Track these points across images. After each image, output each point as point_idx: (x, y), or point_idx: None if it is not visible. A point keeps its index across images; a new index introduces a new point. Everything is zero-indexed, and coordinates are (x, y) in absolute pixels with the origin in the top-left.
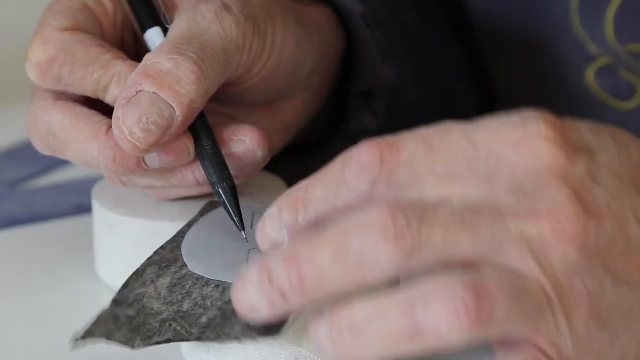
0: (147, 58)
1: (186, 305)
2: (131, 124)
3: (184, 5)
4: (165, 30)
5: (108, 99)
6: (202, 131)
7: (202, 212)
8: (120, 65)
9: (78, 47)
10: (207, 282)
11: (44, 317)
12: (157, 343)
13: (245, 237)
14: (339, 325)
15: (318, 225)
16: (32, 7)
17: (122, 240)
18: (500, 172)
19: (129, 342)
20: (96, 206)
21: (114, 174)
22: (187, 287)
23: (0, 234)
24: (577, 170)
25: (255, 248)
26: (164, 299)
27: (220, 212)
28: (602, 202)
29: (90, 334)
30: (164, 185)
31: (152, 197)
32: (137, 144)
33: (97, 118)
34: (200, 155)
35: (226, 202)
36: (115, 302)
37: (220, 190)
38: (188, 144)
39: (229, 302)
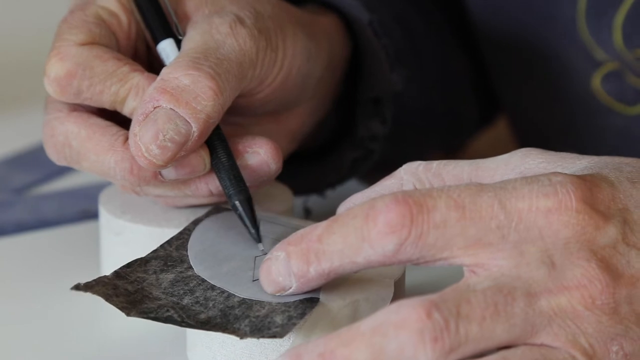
0: (164, 72)
1: (186, 300)
2: (148, 141)
3: (196, 17)
4: (177, 42)
5: (125, 111)
6: (218, 143)
7: (209, 213)
8: (138, 78)
9: (96, 61)
10: (212, 286)
11: (50, 321)
12: (154, 319)
13: (262, 249)
14: None
15: (330, 276)
16: (36, 17)
17: (129, 246)
18: (530, 241)
19: (124, 310)
20: (103, 213)
21: (129, 184)
22: (191, 285)
23: (7, 239)
24: (606, 238)
25: (261, 255)
26: (164, 290)
27: (227, 215)
28: (637, 264)
29: (89, 288)
30: (176, 195)
31: (159, 204)
32: (154, 160)
33: (113, 129)
34: (215, 167)
35: (243, 214)
36: (117, 274)
37: (236, 202)
38: (204, 157)
39: (232, 308)
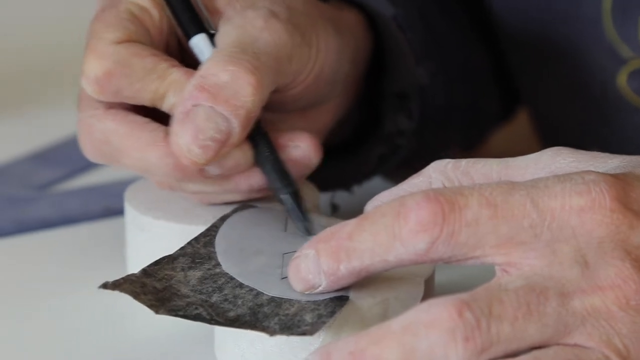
0: (202, 69)
1: (215, 298)
2: (188, 141)
3: (228, 11)
4: (210, 36)
5: (165, 107)
6: (260, 137)
7: (236, 210)
8: (176, 73)
9: (134, 59)
10: (241, 284)
11: (75, 319)
12: (182, 317)
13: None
14: None
15: (360, 274)
16: (63, 14)
17: (154, 243)
18: (563, 240)
19: (153, 307)
20: (128, 209)
21: (171, 180)
22: (220, 283)
23: (31, 236)
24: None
25: (290, 252)
26: (193, 287)
27: (254, 212)
28: None
29: (117, 286)
30: (214, 191)
31: (185, 201)
32: (196, 159)
33: (152, 125)
34: (259, 161)
35: (291, 208)
36: (145, 272)
37: (285, 196)
38: (247, 152)
39: (261, 305)
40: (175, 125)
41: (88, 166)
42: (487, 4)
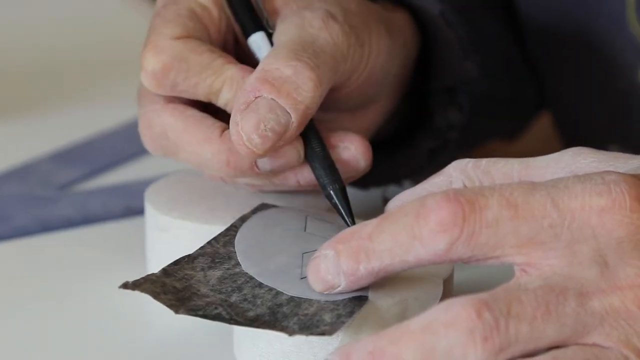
0: (265, 63)
1: (234, 297)
2: (249, 130)
3: (286, 11)
4: (268, 35)
5: (220, 103)
6: (312, 134)
7: (255, 210)
8: (232, 70)
9: (191, 54)
10: (260, 283)
11: (96, 318)
12: (202, 317)
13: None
14: None
15: (380, 274)
16: (86, 13)
17: (175, 243)
18: (583, 240)
19: (173, 307)
20: (149, 209)
21: (224, 175)
22: (239, 282)
23: (54, 235)
24: None
25: (309, 251)
26: (212, 286)
27: (274, 212)
28: None
29: (137, 286)
30: (263, 184)
31: (206, 201)
32: (254, 149)
33: (208, 121)
34: (309, 157)
35: (338, 203)
36: (165, 271)
37: (332, 191)
38: (299, 148)
39: (280, 305)
40: (237, 115)
41: (109, 166)
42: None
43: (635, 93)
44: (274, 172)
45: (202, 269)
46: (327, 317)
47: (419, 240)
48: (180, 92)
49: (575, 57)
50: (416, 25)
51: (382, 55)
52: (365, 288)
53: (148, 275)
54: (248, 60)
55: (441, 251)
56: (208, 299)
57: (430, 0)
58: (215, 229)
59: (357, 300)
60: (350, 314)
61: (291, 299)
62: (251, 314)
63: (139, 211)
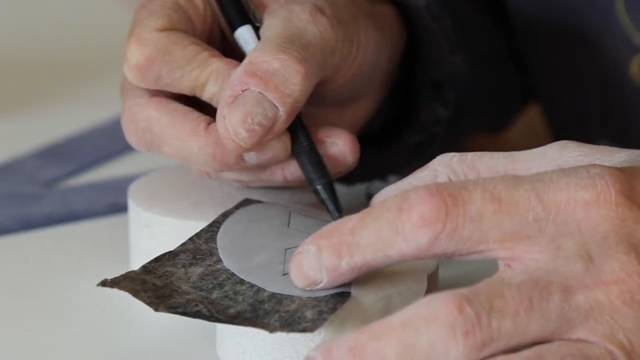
0: (252, 56)
1: (215, 294)
2: (236, 124)
3: (273, 5)
4: (255, 29)
5: (205, 96)
6: (299, 129)
7: (238, 206)
8: (217, 63)
9: (175, 47)
10: (242, 280)
11: (80, 315)
12: (182, 314)
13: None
14: None
15: (362, 270)
16: (70, 12)
17: (158, 239)
18: (568, 234)
19: (152, 305)
20: (132, 205)
21: (210, 169)
22: (220, 279)
23: (37, 233)
24: None
25: (292, 247)
26: (193, 284)
27: (256, 208)
28: None
29: (116, 283)
30: (249, 180)
31: (189, 197)
32: (241, 143)
33: (193, 114)
34: (296, 152)
35: (326, 199)
36: (145, 268)
37: (320, 186)
38: (286, 142)
39: (262, 302)
40: (224, 108)
41: (94, 163)
42: None
43: (625, 87)
44: (260, 167)
45: (183, 266)
46: (309, 314)
47: (401, 235)
48: (164, 85)
49: (565, 51)
50: (402, 20)
51: (371, 50)
52: (348, 284)
53: (128, 272)
54: (234, 54)
55: (424, 246)
56: (189, 296)
57: None
58: (199, 225)
59: (339, 296)
60: (333, 310)
61: (273, 295)
62: (232, 311)
63: (124, 208)
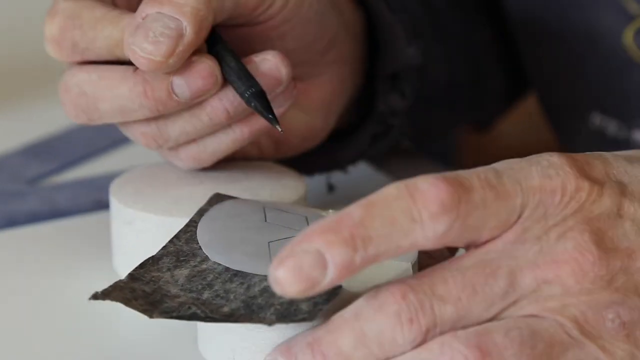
0: None
1: (206, 295)
2: (140, 41)
3: None
4: None
5: (125, 53)
6: (225, 53)
7: (211, 202)
8: (129, 17)
9: (84, 10)
10: (231, 278)
11: (62, 314)
12: (177, 318)
13: (280, 130)
14: None
15: (370, 263)
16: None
17: (140, 236)
18: (536, 220)
19: (146, 312)
20: (114, 202)
21: (147, 112)
22: (209, 279)
23: (21, 230)
24: (601, 210)
25: (275, 240)
26: (182, 286)
27: (231, 203)
28: (632, 235)
29: (107, 295)
30: (196, 129)
31: (170, 193)
32: (151, 57)
33: (121, 66)
34: (227, 75)
35: (258, 105)
36: (131, 276)
37: (249, 95)
38: (213, 67)
39: (254, 297)
40: (129, 38)
41: (78, 160)
42: None
43: (618, 57)
44: (197, 108)
45: (168, 269)
46: (304, 306)
47: (418, 223)
48: (82, 51)
49: (558, 21)
50: (360, 8)
51: (308, 3)
52: None
53: (116, 282)
54: None
55: (439, 234)
56: (180, 300)
57: None
58: (180, 221)
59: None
60: (327, 300)
61: (264, 289)
62: (226, 309)
63: (108, 205)
